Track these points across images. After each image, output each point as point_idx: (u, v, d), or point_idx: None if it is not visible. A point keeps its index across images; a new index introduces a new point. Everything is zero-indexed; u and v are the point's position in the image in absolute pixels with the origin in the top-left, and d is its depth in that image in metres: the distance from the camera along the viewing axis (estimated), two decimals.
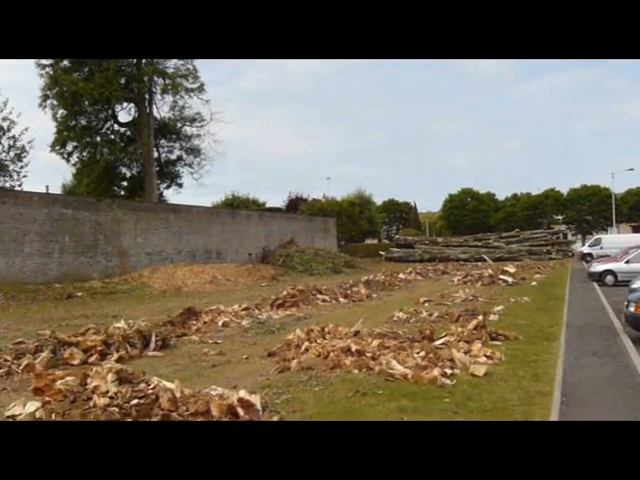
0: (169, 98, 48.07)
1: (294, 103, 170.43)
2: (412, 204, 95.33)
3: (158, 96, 48.17)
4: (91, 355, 11.46)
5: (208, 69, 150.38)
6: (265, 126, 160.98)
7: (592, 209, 79.66)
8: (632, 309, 12.35)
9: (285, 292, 21.73)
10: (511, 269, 30.35)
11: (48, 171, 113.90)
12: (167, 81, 46.60)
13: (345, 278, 35.13)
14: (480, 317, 12.52)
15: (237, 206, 61.29)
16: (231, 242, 41.49)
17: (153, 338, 12.77)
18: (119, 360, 11.25)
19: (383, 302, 22.17)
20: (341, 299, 22.65)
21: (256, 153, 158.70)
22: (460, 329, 12.23)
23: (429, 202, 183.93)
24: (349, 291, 25.06)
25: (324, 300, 22.16)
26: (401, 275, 33.54)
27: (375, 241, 79.89)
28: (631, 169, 68.97)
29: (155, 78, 46.96)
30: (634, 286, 17.82)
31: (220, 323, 16.08)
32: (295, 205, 62.89)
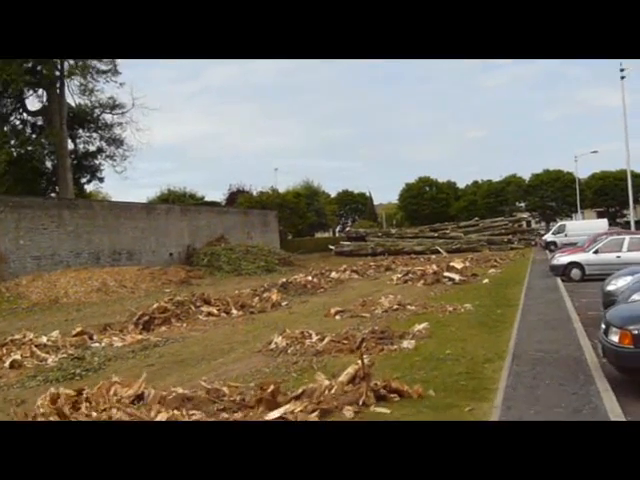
0: (81, 81, 42.50)
1: (259, 98, 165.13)
2: (367, 194, 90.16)
3: (70, 81, 42.60)
4: None
5: (171, 66, 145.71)
6: (229, 122, 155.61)
7: (555, 195, 75.34)
8: (615, 338, 7.38)
9: (156, 305, 16.48)
10: (458, 264, 25.28)
11: None
12: (78, 62, 40.98)
13: (278, 277, 29.86)
14: (359, 362, 7.33)
15: (172, 201, 55.74)
16: (146, 241, 35.97)
17: None
18: None
19: (288, 314, 17.10)
20: (234, 311, 17.50)
21: (220, 150, 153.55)
22: (326, 383, 7.16)
23: (392, 194, 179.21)
24: (257, 298, 19.95)
25: (209, 314, 16.99)
26: (333, 274, 28.42)
27: (327, 234, 74.78)
28: (595, 151, 64.94)
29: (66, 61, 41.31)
30: (609, 288, 12.97)
31: (7, 363, 10.83)
32: (235, 199, 57.31)
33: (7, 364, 10.78)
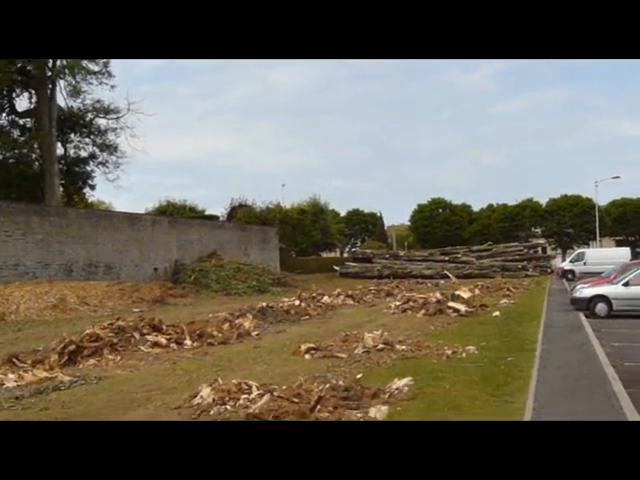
0: (70, 82, 39.91)
1: (278, 117, 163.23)
2: (378, 214, 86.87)
3: (63, 82, 40.07)
4: None
5: (193, 82, 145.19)
6: (248, 140, 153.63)
7: (573, 221, 71.72)
8: None
9: (87, 331, 13.45)
10: (465, 293, 22.09)
11: None
12: (67, 61, 38.34)
13: (270, 299, 26.75)
14: None
15: (170, 213, 52.78)
16: (128, 254, 33.07)
17: None
18: None
19: (252, 348, 14.02)
20: (188, 341, 14.42)
21: (237, 167, 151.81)
22: None
23: (405, 216, 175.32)
24: (227, 324, 16.84)
25: (156, 344, 13.92)
26: (325, 298, 25.26)
27: (333, 254, 71.56)
28: (617, 177, 61.59)
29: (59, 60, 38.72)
30: None
31: None
32: (236, 214, 54.22)
33: None
